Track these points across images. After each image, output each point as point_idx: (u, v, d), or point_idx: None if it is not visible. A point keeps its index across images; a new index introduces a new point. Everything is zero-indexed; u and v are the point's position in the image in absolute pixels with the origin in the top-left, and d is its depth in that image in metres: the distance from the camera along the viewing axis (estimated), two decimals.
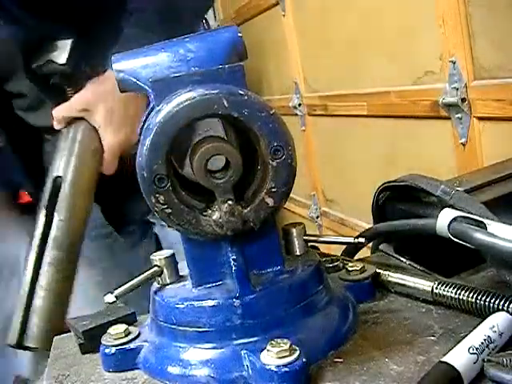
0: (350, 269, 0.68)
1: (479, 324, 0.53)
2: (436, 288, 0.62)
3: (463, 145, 1.31)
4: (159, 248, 1.32)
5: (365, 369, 0.53)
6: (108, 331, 0.63)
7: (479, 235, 0.57)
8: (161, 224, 1.27)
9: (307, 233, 0.64)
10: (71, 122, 0.96)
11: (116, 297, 0.60)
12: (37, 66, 1.00)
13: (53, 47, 0.99)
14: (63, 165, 0.96)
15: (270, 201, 0.56)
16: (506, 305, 0.55)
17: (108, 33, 0.97)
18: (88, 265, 1.23)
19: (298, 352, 0.51)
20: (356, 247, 0.80)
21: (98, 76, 0.97)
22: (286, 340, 0.52)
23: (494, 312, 0.55)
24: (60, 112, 0.97)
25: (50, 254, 0.97)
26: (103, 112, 0.93)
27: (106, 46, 0.95)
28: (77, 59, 1.01)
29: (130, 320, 0.68)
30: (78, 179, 0.96)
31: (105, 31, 0.98)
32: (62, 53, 0.99)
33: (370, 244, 0.82)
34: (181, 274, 0.63)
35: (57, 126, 0.98)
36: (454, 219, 0.60)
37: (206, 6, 1.02)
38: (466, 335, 0.52)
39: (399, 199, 0.74)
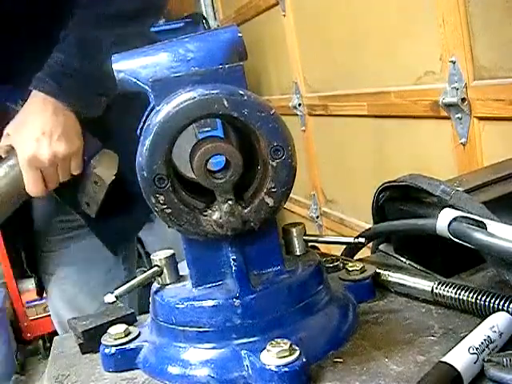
0: (349, 269, 0.68)
1: (479, 324, 0.53)
2: (436, 288, 0.62)
3: (463, 145, 1.31)
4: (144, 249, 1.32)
5: (365, 369, 0.53)
6: (108, 331, 0.63)
7: (479, 235, 0.57)
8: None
9: (307, 233, 0.64)
10: (7, 149, 1.00)
11: (116, 297, 0.60)
12: None
13: None
14: None
15: (269, 201, 0.56)
16: (506, 305, 0.55)
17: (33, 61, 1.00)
18: (66, 264, 1.24)
19: (297, 352, 0.51)
20: (356, 247, 0.80)
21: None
22: (286, 340, 0.52)
23: (493, 312, 0.55)
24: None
25: None
26: (17, 134, 0.97)
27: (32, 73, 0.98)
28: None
29: (130, 320, 0.68)
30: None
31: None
32: None
33: (370, 244, 0.82)
34: (181, 273, 0.63)
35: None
36: (454, 219, 0.60)
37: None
38: (466, 335, 0.52)
39: (399, 199, 0.74)
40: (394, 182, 0.73)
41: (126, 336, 0.62)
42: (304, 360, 0.51)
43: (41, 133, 0.96)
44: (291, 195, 0.58)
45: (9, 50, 1.04)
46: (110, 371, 0.61)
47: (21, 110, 1.01)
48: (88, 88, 1.00)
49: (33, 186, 0.97)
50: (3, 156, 1.00)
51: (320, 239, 0.66)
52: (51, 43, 1.00)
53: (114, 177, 1.08)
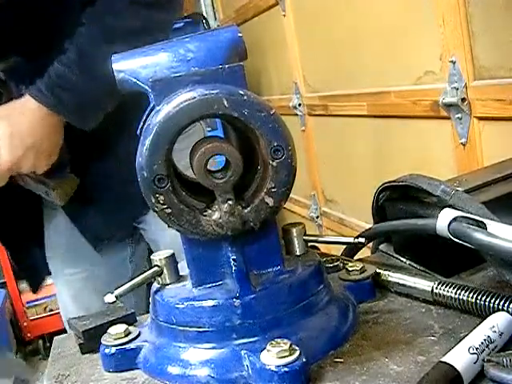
0: (350, 269, 0.68)
1: (479, 324, 0.53)
2: (436, 288, 0.62)
3: (463, 145, 1.31)
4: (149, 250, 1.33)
5: (365, 369, 0.53)
6: (108, 331, 0.63)
7: (479, 235, 0.57)
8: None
9: (307, 233, 0.64)
10: None
11: (116, 297, 0.60)
12: None
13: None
14: None
15: (269, 201, 0.56)
16: (506, 305, 0.55)
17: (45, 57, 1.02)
18: (73, 263, 1.24)
19: (297, 352, 0.51)
20: (356, 247, 0.80)
21: (21, 97, 1.03)
22: (285, 340, 0.52)
23: (494, 312, 0.55)
24: None
25: None
26: (6, 131, 0.99)
27: (42, 71, 1.01)
28: (16, 77, 1.08)
29: (130, 320, 0.68)
30: None
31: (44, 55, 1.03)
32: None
33: (370, 244, 0.82)
34: (181, 273, 0.63)
35: None
36: (454, 219, 0.60)
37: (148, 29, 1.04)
38: (466, 335, 0.52)
39: (399, 199, 0.74)
40: (394, 181, 0.73)
41: (126, 336, 0.62)
42: (304, 360, 0.51)
43: (31, 145, 0.99)
44: (291, 195, 0.58)
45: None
46: (110, 371, 0.61)
47: (13, 106, 1.02)
48: (85, 104, 1.01)
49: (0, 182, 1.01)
50: None
51: (320, 239, 0.66)
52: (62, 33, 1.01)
53: (66, 201, 1.12)
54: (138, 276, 0.62)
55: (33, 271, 1.28)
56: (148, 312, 0.71)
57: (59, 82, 0.99)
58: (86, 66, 1.00)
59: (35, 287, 1.29)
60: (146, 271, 0.62)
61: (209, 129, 1.77)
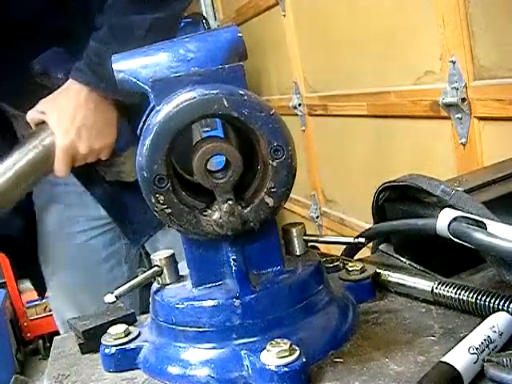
0: (350, 269, 0.68)
1: (479, 324, 0.53)
2: (436, 288, 0.62)
3: (463, 145, 1.31)
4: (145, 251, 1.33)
5: (365, 369, 0.53)
6: (108, 331, 0.63)
7: (479, 235, 0.57)
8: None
9: (307, 233, 0.64)
10: (38, 123, 1.04)
11: (116, 297, 0.60)
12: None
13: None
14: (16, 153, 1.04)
15: (269, 201, 0.56)
16: (506, 305, 0.55)
17: (79, 45, 1.03)
18: (68, 263, 1.24)
19: (297, 352, 0.51)
20: (356, 247, 0.80)
21: (63, 84, 1.05)
22: (286, 340, 0.52)
23: (494, 312, 0.55)
24: (28, 115, 1.05)
25: None
26: (55, 117, 1.01)
27: (76, 57, 1.02)
28: (54, 67, 1.09)
29: (130, 320, 0.68)
30: (18, 169, 1.02)
31: (77, 43, 1.04)
32: None
33: (370, 244, 0.82)
34: (181, 273, 0.63)
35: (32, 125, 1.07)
36: (454, 219, 0.60)
37: (161, 20, 1.05)
38: (466, 335, 0.52)
39: (399, 199, 0.74)
40: (394, 181, 0.73)
41: (126, 336, 0.62)
42: (304, 360, 0.51)
43: (82, 125, 1.01)
44: (291, 195, 0.58)
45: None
46: (110, 371, 0.61)
47: (58, 93, 1.03)
48: None
49: (62, 168, 1.03)
50: (33, 127, 1.04)
51: (320, 239, 0.66)
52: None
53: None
54: (138, 276, 0.62)
55: (36, 274, 1.27)
56: (142, 313, 0.71)
57: (98, 60, 0.99)
58: (119, 38, 1.00)
59: (42, 291, 1.29)
60: (145, 271, 0.62)
61: (209, 129, 1.77)
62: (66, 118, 1.01)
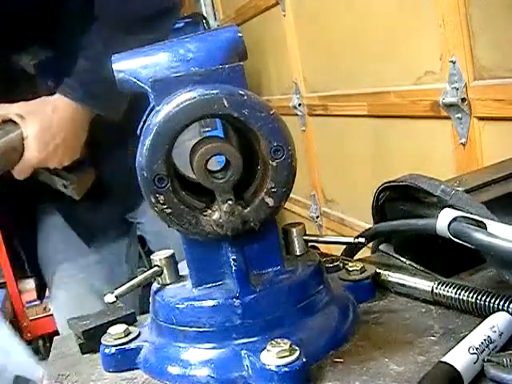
0: (350, 269, 0.68)
1: (479, 324, 0.53)
2: (436, 288, 0.62)
3: (463, 145, 1.31)
4: (144, 247, 1.34)
5: (365, 369, 0.53)
6: (108, 331, 0.63)
7: (479, 235, 0.57)
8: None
9: (307, 233, 0.64)
10: (6, 121, 1.02)
11: (116, 297, 0.60)
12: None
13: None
14: None
15: (269, 201, 0.56)
16: (506, 305, 0.55)
17: (71, 53, 1.04)
18: (69, 263, 1.24)
19: (297, 352, 0.51)
20: (356, 247, 0.80)
21: (51, 95, 1.04)
22: (286, 340, 0.52)
23: (494, 312, 0.55)
24: (1, 109, 1.03)
25: None
26: (36, 128, 1.00)
27: (69, 66, 1.02)
28: (45, 71, 1.10)
29: (130, 320, 0.68)
30: None
31: (69, 51, 1.05)
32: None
33: (370, 244, 0.82)
34: (181, 273, 0.63)
35: None
36: (454, 219, 0.60)
37: (159, 14, 1.05)
38: (466, 335, 0.52)
39: (399, 199, 0.74)
40: (394, 181, 0.73)
41: (126, 336, 0.62)
42: (304, 360, 0.51)
43: (61, 142, 1.01)
44: (291, 195, 0.58)
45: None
46: (110, 371, 0.61)
47: (43, 104, 1.02)
48: (115, 93, 1.02)
49: (23, 175, 1.02)
50: None
51: (320, 239, 0.66)
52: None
53: (82, 195, 1.12)
54: (138, 276, 0.62)
55: (36, 274, 1.27)
56: (142, 313, 0.71)
57: (88, 77, 1.00)
58: (109, 56, 1.01)
59: (42, 291, 1.29)
60: (145, 271, 0.62)
61: (209, 129, 1.77)
62: (47, 133, 1.00)
